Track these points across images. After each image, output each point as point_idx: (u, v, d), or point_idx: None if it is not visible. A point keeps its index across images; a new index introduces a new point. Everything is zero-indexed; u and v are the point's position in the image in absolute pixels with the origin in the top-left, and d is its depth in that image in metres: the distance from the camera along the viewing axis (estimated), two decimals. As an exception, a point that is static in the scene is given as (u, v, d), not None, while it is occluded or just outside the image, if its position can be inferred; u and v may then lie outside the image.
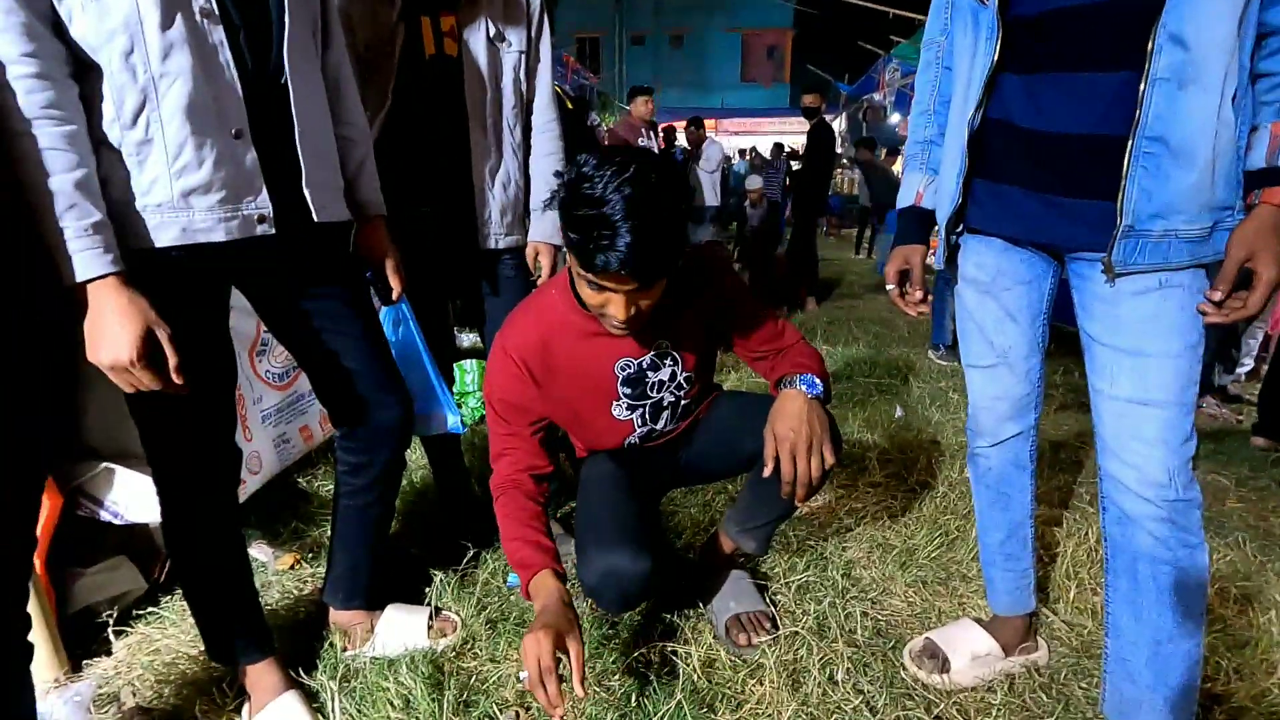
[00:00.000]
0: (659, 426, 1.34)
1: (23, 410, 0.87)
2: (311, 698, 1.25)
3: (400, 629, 1.40)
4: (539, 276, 1.63)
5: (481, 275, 1.61)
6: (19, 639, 0.95)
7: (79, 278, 0.85)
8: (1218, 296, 0.91)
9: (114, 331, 0.86)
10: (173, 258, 0.96)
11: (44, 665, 1.31)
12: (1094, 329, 1.04)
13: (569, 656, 1.01)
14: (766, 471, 1.16)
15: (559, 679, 0.98)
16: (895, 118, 10.32)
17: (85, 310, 0.87)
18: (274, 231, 1.03)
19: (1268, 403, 2.58)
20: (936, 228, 1.22)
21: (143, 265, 0.92)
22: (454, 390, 1.75)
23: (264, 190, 1.01)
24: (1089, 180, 0.96)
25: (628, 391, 1.27)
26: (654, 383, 1.28)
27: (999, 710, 1.22)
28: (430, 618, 1.43)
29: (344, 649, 1.37)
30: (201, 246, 0.97)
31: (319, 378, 1.25)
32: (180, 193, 0.93)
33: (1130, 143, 0.91)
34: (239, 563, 1.21)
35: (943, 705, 1.24)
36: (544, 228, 1.60)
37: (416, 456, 2.25)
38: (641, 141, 4.97)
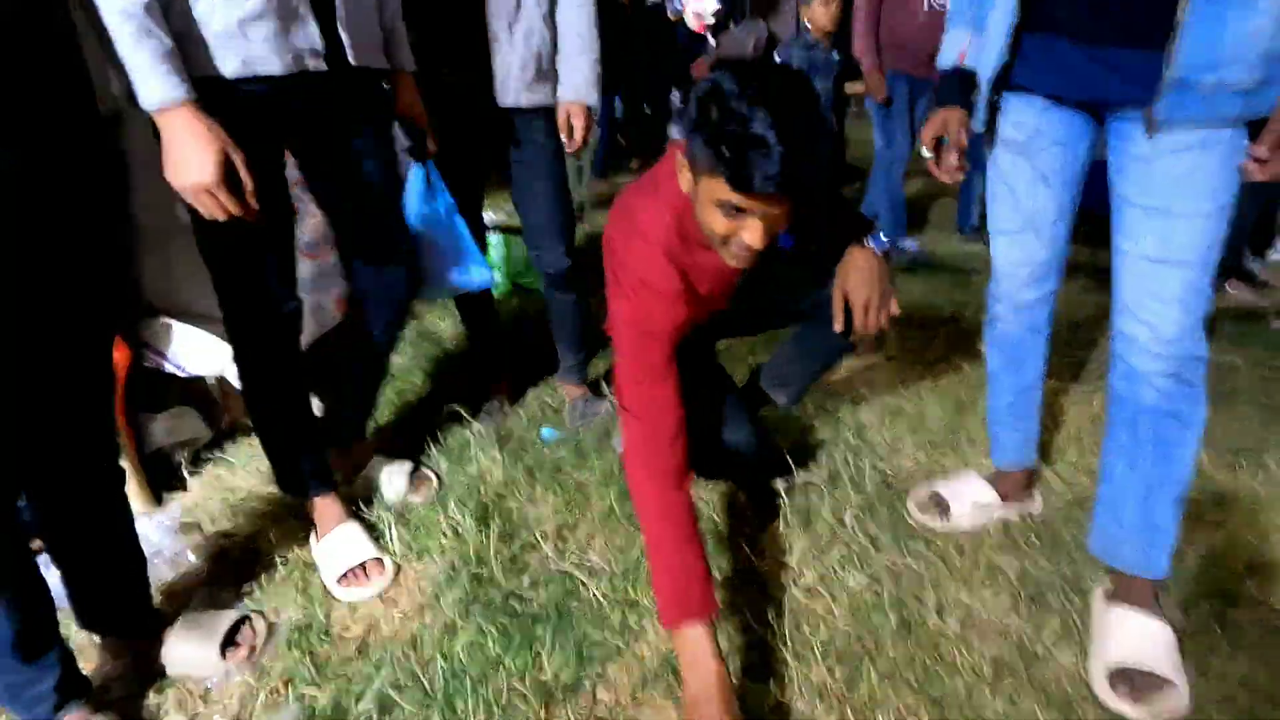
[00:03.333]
0: None
1: (93, 267, 0.94)
2: (370, 528, 1.39)
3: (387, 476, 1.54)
4: (569, 146, 1.59)
5: (509, 140, 1.57)
6: (112, 462, 1.09)
7: (156, 103, 0.89)
8: (1263, 152, 0.91)
9: (195, 154, 0.91)
10: (234, 88, 0.99)
11: (132, 497, 1.46)
12: (1127, 189, 1.05)
13: None
14: (838, 325, 1.17)
15: None
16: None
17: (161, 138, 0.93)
18: (325, 68, 1.05)
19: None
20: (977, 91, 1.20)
21: (207, 95, 0.95)
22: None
23: (314, 24, 1.03)
24: (1142, 27, 0.93)
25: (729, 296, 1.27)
26: (741, 285, 1.28)
27: (993, 549, 1.35)
28: (412, 473, 1.55)
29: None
30: (260, 80, 1.00)
31: (339, 227, 1.30)
32: (236, 20, 0.96)
33: (1190, -17, 0.87)
34: (304, 403, 1.31)
35: (941, 544, 1.36)
36: (575, 83, 1.52)
37: (447, 324, 2.34)
38: None
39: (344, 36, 1.09)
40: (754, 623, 1.18)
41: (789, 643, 1.14)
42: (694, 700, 0.95)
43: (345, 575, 1.28)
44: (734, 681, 1.01)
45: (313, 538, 1.37)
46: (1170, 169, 0.98)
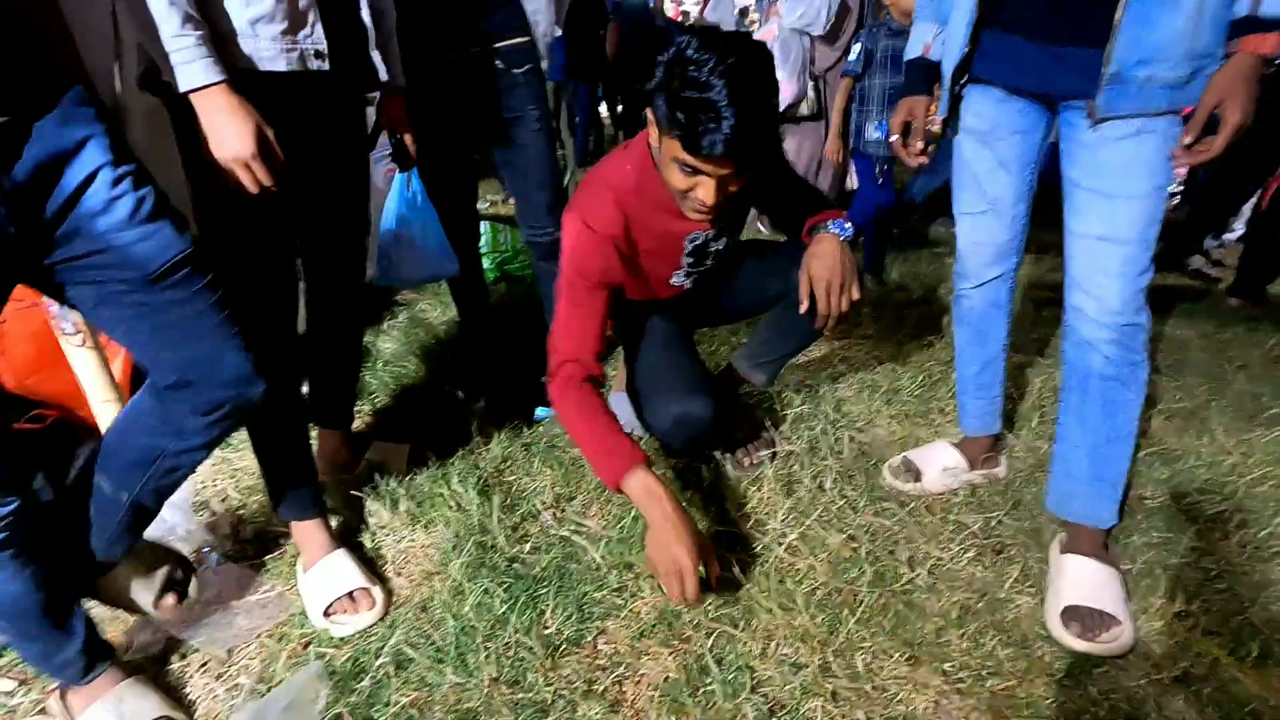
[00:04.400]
0: (699, 285, 1.46)
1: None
2: (361, 553, 1.36)
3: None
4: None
5: (497, 118, 1.60)
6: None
7: (197, 83, 0.96)
8: (1188, 140, 1.01)
9: (235, 128, 0.98)
10: (244, 81, 1.04)
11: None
12: (1075, 173, 1.15)
13: (705, 562, 1.11)
14: (803, 307, 1.25)
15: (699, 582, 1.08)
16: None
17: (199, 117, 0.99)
18: (328, 68, 1.12)
19: (1245, 266, 2.72)
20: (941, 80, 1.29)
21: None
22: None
23: (319, 27, 1.10)
24: (1085, 28, 1.03)
25: (690, 261, 1.37)
26: (713, 252, 1.38)
27: (960, 508, 1.46)
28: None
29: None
30: (266, 76, 1.06)
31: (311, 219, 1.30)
32: (249, 20, 1.02)
33: (1125, -11, 0.97)
34: (298, 395, 1.30)
35: (913, 504, 1.47)
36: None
37: (447, 313, 2.40)
38: None
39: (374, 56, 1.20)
40: (742, 578, 1.27)
41: (774, 595, 1.24)
42: (656, 526, 1.09)
43: (332, 606, 1.22)
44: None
45: (299, 568, 1.31)
46: (1112, 155, 1.08)
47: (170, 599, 1.18)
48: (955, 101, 1.28)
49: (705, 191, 1.09)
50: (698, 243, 1.34)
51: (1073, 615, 1.16)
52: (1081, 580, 1.20)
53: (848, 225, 1.29)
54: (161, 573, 1.18)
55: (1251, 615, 1.19)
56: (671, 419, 1.30)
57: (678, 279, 1.40)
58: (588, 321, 1.24)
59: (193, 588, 1.23)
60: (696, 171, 1.08)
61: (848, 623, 1.18)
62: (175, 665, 1.17)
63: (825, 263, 1.23)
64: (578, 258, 1.24)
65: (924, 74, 1.32)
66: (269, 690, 1.10)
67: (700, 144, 1.02)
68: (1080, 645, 1.14)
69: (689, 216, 1.17)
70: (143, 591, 1.17)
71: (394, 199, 1.54)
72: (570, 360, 1.22)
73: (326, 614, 1.22)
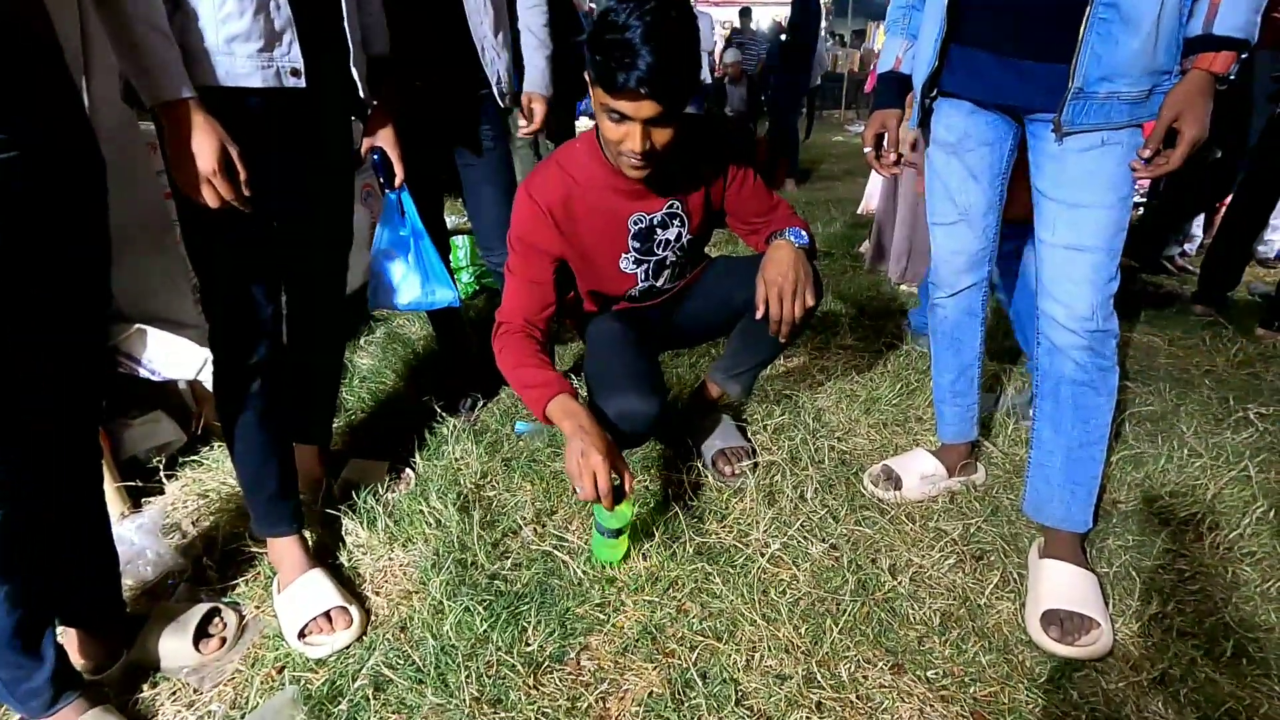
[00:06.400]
0: (659, 284, 1.47)
1: (83, 270, 0.97)
2: (338, 571, 1.33)
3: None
4: (527, 129, 1.69)
5: (461, 146, 1.65)
6: (94, 465, 1.11)
7: (166, 97, 0.96)
8: (1147, 154, 1.04)
9: (198, 144, 0.98)
10: (218, 97, 1.04)
11: (110, 502, 1.48)
12: (1043, 184, 1.17)
13: (617, 469, 1.20)
14: (759, 314, 1.28)
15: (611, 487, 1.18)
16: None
17: (168, 132, 0.99)
18: (304, 85, 1.11)
19: (1207, 274, 2.80)
20: (913, 93, 1.31)
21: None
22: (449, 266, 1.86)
23: (295, 45, 1.09)
24: (1049, 45, 1.06)
25: (637, 246, 1.38)
26: (661, 240, 1.40)
27: (940, 515, 1.47)
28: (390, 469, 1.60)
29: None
30: (242, 91, 1.06)
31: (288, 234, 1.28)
32: (225, 39, 1.02)
33: (1088, 9, 1.00)
34: (279, 415, 1.26)
35: (893, 512, 1.48)
36: (533, 77, 1.68)
37: (423, 330, 2.38)
38: None
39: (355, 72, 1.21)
40: (726, 590, 1.27)
41: (758, 606, 1.23)
42: (572, 436, 1.19)
43: (308, 626, 1.19)
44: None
45: (274, 588, 1.28)
46: (1077, 166, 1.10)
47: (214, 642, 1.19)
48: (926, 115, 1.31)
49: (631, 139, 1.13)
50: (641, 226, 1.36)
51: (1052, 619, 1.17)
52: (1060, 584, 1.22)
53: (804, 234, 1.33)
54: (193, 620, 1.18)
55: (1225, 615, 1.21)
56: (615, 412, 1.33)
57: (627, 264, 1.41)
58: (530, 288, 1.34)
59: (230, 626, 1.22)
60: (623, 118, 1.12)
61: (831, 632, 1.18)
62: (146, 693, 1.13)
63: (779, 269, 1.27)
64: (517, 223, 1.34)
65: (896, 87, 1.35)
66: (243, 717, 1.07)
67: (616, 81, 1.07)
68: (1060, 649, 1.15)
69: (627, 174, 1.22)
70: (173, 640, 1.16)
71: (385, 223, 1.51)
72: (508, 321, 1.34)
73: (302, 635, 1.19)
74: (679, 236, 1.41)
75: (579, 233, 1.35)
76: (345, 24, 1.20)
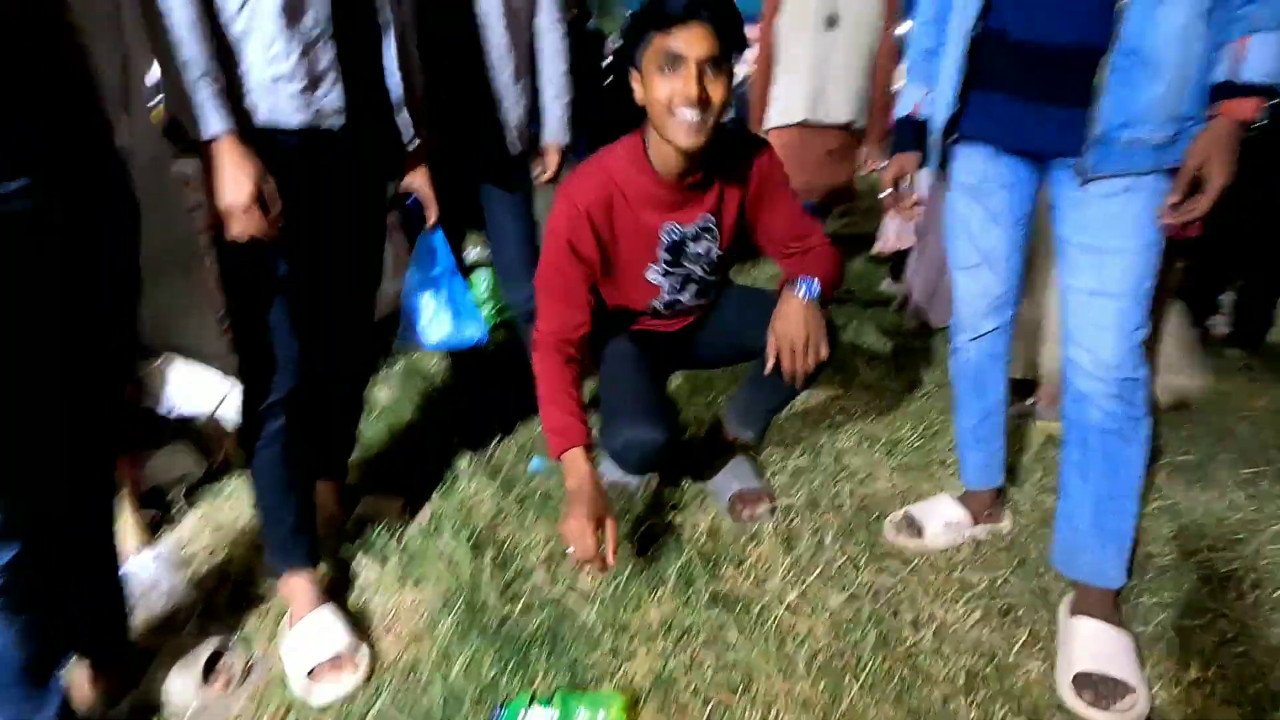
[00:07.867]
0: (683, 298, 1.46)
1: (111, 303, 0.99)
2: (348, 611, 1.31)
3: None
4: (543, 178, 1.73)
5: (485, 184, 1.67)
6: (108, 501, 1.12)
7: (210, 132, 0.99)
8: (1174, 200, 1.02)
9: (236, 177, 1.01)
10: (260, 136, 1.07)
11: (127, 533, 1.49)
12: (1066, 230, 1.15)
13: (605, 535, 1.20)
14: (768, 369, 1.29)
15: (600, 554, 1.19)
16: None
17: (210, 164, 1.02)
18: (343, 124, 1.14)
19: (1240, 317, 2.72)
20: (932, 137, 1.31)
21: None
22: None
23: (339, 86, 1.13)
24: (1069, 89, 1.05)
25: (667, 257, 1.38)
26: (692, 254, 1.40)
27: (965, 565, 1.42)
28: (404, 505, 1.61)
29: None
30: (282, 130, 1.09)
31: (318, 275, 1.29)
32: (271, 78, 1.05)
33: (1107, 54, 0.99)
34: (303, 454, 1.28)
35: (916, 562, 1.43)
36: (552, 127, 1.72)
37: (444, 362, 2.40)
38: None
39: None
40: (742, 641, 1.23)
41: (774, 659, 1.19)
42: (569, 496, 1.23)
43: (315, 670, 1.17)
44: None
45: (284, 624, 1.27)
46: (1101, 211, 1.09)
47: (220, 680, 1.18)
48: (945, 157, 1.30)
49: (688, 83, 1.12)
50: (675, 237, 1.36)
51: (1085, 683, 1.12)
52: (1093, 645, 1.16)
53: (816, 285, 1.32)
54: (200, 658, 1.18)
55: (1270, 682, 1.15)
56: (623, 441, 1.34)
57: (653, 275, 1.40)
58: (565, 304, 1.34)
59: (237, 666, 1.21)
60: (677, 62, 1.12)
61: (850, 689, 1.13)
62: (149, 732, 1.12)
63: (789, 324, 1.28)
64: (556, 224, 1.33)
65: (914, 131, 1.34)
66: (245, 761, 1.06)
67: (670, 8, 1.09)
68: (1094, 715, 1.09)
69: (680, 144, 1.19)
70: (180, 679, 1.15)
71: (420, 263, 1.53)
72: (543, 340, 1.34)
73: (309, 674, 1.17)
74: (709, 251, 1.41)
75: (614, 236, 1.35)
76: (384, 67, 1.24)
